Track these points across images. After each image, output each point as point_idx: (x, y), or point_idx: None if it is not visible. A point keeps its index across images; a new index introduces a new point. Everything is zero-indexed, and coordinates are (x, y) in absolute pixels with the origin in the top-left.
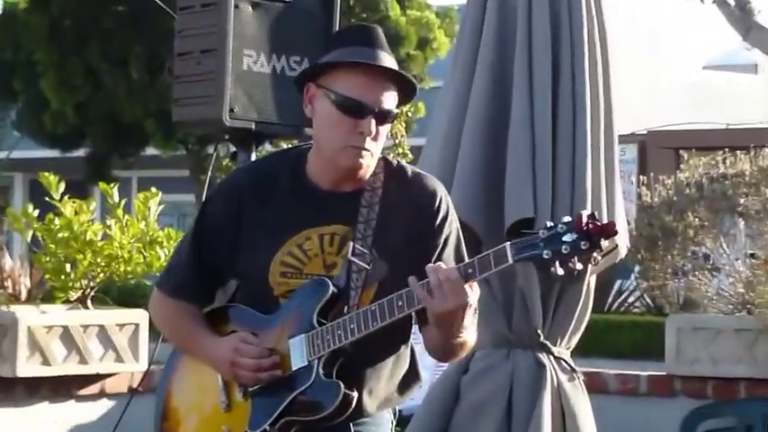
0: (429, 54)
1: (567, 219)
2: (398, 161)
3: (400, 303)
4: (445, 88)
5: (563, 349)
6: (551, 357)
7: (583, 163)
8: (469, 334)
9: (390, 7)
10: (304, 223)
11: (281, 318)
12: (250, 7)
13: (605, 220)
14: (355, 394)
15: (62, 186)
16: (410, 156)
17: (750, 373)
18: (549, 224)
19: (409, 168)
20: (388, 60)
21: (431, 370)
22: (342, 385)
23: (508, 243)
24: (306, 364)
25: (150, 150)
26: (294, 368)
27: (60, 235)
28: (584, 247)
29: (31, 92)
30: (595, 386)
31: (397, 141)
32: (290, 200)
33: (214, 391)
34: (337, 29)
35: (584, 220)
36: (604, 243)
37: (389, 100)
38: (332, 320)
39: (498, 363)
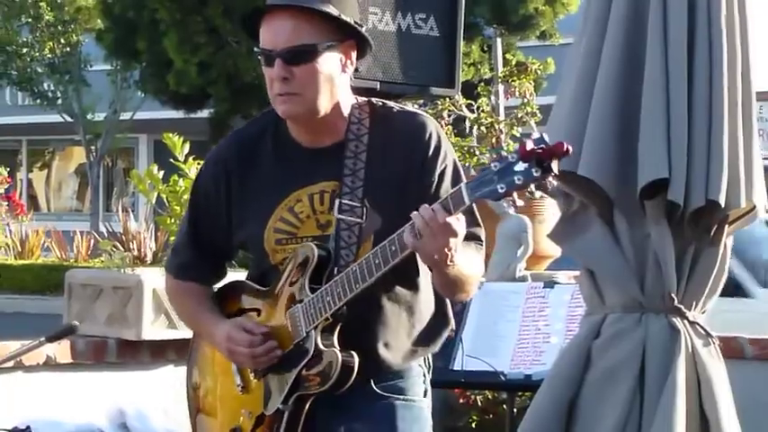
0: (559, 9)
1: (519, 147)
2: (384, 102)
3: (377, 261)
4: (576, 45)
5: (698, 313)
6: (686, 322)
7: (719, 121)
8: (465, 268)
9: None
10: (292, 185)
11: (279, 289)
12: None
13: (551, 143)
14: (355, 358)
15: (186, 147)
16: (539, 115)
17: None
18: (502, 155)
19: (396, 107)
20: None
21: (561, 334)
22: (337, 352)
23: (463, 183)
24: (304, 335)
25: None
26: (295, 341)
27: (185, 197)
28: (536, 174)
29: (154, 51)
30: (731, 351)
31: (525, 100)
32: (275, 163)
33: (230, 372)
34: None
35: (530, 146)
36: (555, 166)
37: (295, 35)
38: (326, 283)
39: (630, 327)
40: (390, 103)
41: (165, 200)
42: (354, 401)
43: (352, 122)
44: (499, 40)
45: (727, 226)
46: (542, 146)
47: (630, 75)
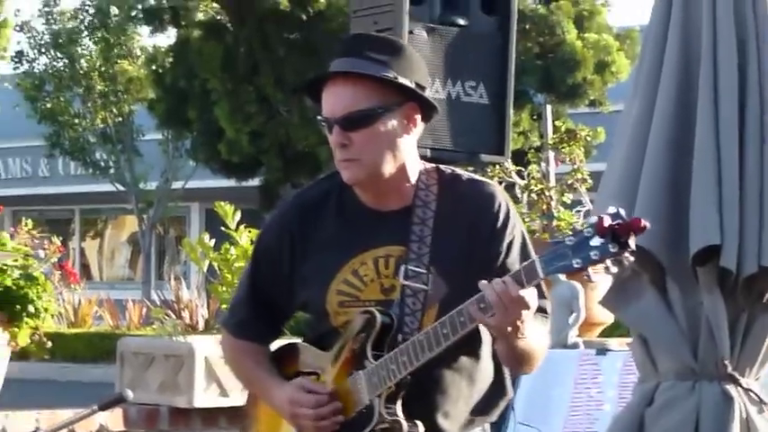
0: (608, 77)
1: (592, 220)
2: (453, 169)
3: (445, 331)
4: (626, 112)
5: (752, 380)
6: (740, 389)
7: None
8: (530, 343)
9: (567, 30)
10: (357, 247)
11: (340, 353)
12: (425, 33)
13: (629, 219)
14: (419, 428)
15: (238, 215)
16: (590, 181)
17: None
18: (576, 229)
19: (465, 175)
20: (343, 62)
21: (613, 402)
22: (402, 421)
23: (537, 257)
24: (367, 402)
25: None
26: (357, 409)
27: (237, 264)
28: (613, 250)
29: (206, 120)
30: None
31: (575, 166)
32: (341, 225)
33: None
34: (513, 54)
35: (607, 221)
36: (632, 242)
37: (352, 102)
38: (388, 351)
39: (684, 395)
40: (459, 171)
41: (216, 268)
42: None
43: (419, 188)
44: (549, 107)
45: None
46: (619, 221)
47: (681, 141)
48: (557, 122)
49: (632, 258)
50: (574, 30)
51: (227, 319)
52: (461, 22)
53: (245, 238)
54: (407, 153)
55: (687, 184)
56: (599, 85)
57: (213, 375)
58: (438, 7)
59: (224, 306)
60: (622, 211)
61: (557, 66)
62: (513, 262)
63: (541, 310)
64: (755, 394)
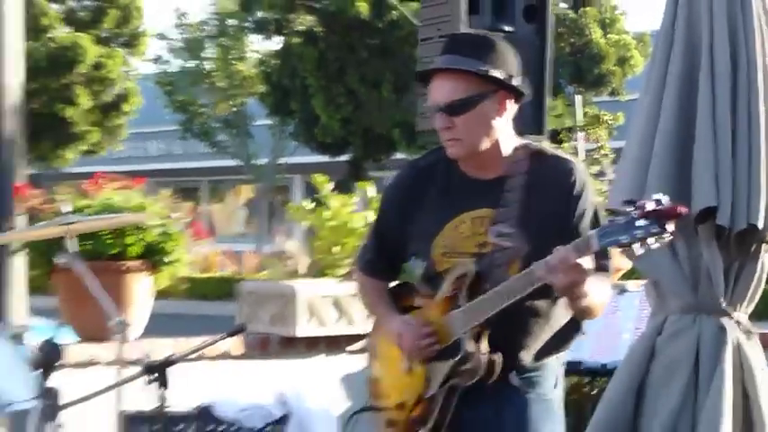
0: (627, 70)
1: (638, 204)
2: (539, 146)
3: (521, 284)
4: (640, 99)
5: (741, 314)
6: (732, 321)
7: (757, 157)
8: (594, 298)
9: (593, 32)
10: (458, 209)
11: (442, 295)
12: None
13: (669, 205)
14: (498, 358)
15: (330, 185)
16: (611, 156)
17: None
18: (628, 209)
19: (549, 151)
20: (447, 59)
21: (631, 332)
22: (484, 354)
23: (593, 231)
24: (458, 336)
25: (398, 155)
26: (450, 341)
27: (329, 223)
28: (654, 231)
29: (304, 110)
30: None
31: (600, 144)
32: (445, 189)
33: (400, 357)
34: (549, 53)
35: (650, 206)
36: (671, 226)
37: (453, 91)
38: (479, 296)
39: (687, 326)
40: (545, 147)
41: (313, 226)
42: (496, 394)
43: (512, 161)
44: (578, 96)
45: (765, 245)
46: (661, 207)
47: (684, 123)
48: (586, 109)
49: (670, 237)
50: (599, 31)
51: (359, 260)
52: (507, 28)
53: (336, 202)
54: (501, 132)
55: (689, 158)
56: (619, 76)
57: (313, 310)
58: (489, 17)
59: (319, 256)
60: (665, 199)
61: (585, 61)
62: (585, 228)
63: (604, 268)
64: (744, 325)
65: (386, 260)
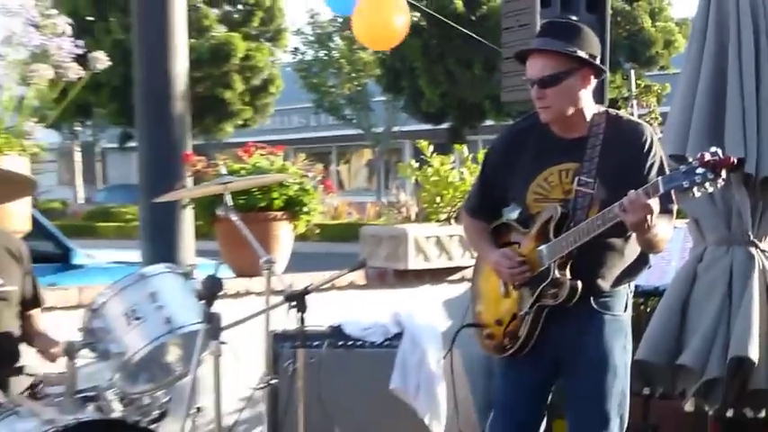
0: (672, 51)
1: (698, 155)
2: (617, 112)
3: (599, 222)
4: (682, 73)
5: (766, 245)
6: (759, 250)
7: None
8: (659, 234)
9: (644, 20)
10: (548, 162)
11: (533, 232)
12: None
13: (723, 156)
14: (579, 284)
15: (431, 148)
16: (660, 119)
17: None
18: (690, 159)
19: (624, 117)
20: (540, 41)
21: (678, 260)
22: (567, 280)
23: (660, 177)
24: (546, 266)
25: (487, 122)
26: (540, 269)
27: (432, 179)
28: (710, 177)
29: (412, 88)
30: None
31: (651, 109)
32: (538, 147)
33: (498, 283)
34: (608, 38)
35: (707, 157)
36: (724, 173)
37: (545, 68)
38: (564, 233)
39: (721, 255)
40: (620, 113)
41: (419, 181)
42: (577, 314)
43: (592, 124)
44: (633, 71)
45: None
46: (716, 158)
47: (717, 90)
48: (638, 81)
49: (723, 184)
50: (649, 20)
51: (465, 204)
52: (573, 18)
53: (437, 161)
54: (584, 101)
55: (722, 118)
56: (666, 56)
57: (420, 249)
58: (558, 8)
59: (424, 205)
60: (720, 151)
61: (638, 44)
62: (653, 177)
63: (669, 211)
64: None
65: (488, 205)
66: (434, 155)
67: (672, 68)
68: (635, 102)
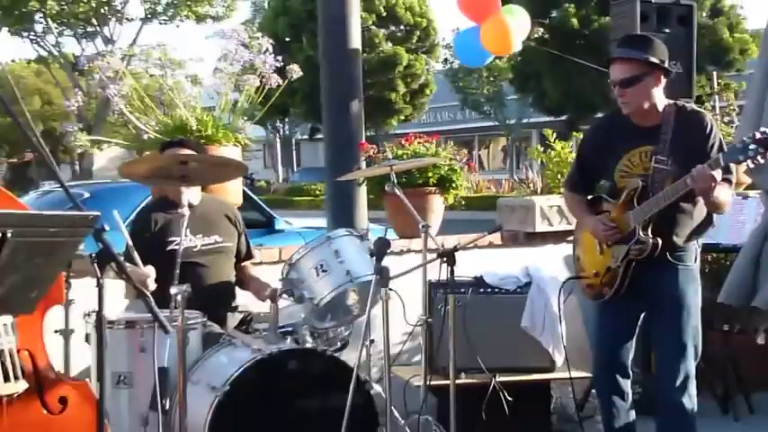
0: (746, 56)
1: (751, 134)
2: (683, 103)
3: (673, 191)
4: (755, 73)
5: None
6: None
7: None
8: (720, 198)
9: (723, 32)
10: (630, 145)
11: (622, 201)
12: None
13: None
14: (659, 241)
15: (554, 135)
16: (737, 110)
17: None
18: (745, 138)
19: (689, 107)
20: (621, 51)
21: (752, 222)
22: (649, 238)
23: (720, 153)
24: (633, 227)
25: (599, 114)
26: (627, 231)
27: (554, 160)
28: (760, 151)
29: (538, 88)
30: None
31: (729, 103)
32: (622, 133)
33: (594, 242)
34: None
35: (758, 135)
36: None
37: (624, 72)
38: (645, 200)
39: None
40: (686, 104)
41: (544, 162)
42: (657, 265)
43: (664, 114)
44: (714, 73)
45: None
46: (765, 136)
47: None
48: (719, 80)
49: (762, 161)
50: (727, 31)
51: (566, 181)
52: (667, 30)
53: (558, 146)
54: (656, 96)
55: None
56: (741, 60)
57: (545, 216)
58: (654, 23)
59: (548, 180)
60: (763, 132)
61: (719, 51)
62: (714, 154)
63: (728, 181)
64: None
65: (584, 181)
66: (556, 141)
67: (746, 70)
68: (716, 96)
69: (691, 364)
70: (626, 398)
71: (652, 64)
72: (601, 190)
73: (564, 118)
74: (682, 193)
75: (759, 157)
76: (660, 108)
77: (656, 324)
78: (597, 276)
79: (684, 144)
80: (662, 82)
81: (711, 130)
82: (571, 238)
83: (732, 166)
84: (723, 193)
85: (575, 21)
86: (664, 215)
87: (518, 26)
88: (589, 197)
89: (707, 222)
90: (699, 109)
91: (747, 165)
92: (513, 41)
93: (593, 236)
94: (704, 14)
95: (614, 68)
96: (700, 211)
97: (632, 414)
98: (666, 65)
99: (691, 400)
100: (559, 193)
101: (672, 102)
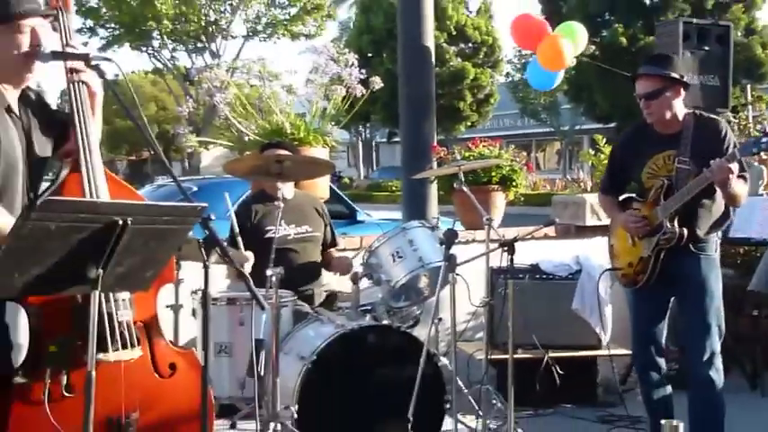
0: None
1: (763, 129)
2: (700, 112)
3: (694, 185)
4: None
5: None
6: None
7: None
8: (736, 191)
9: (756, 48)
10: (655, 150)
11: (649, 199)
12: (689, 53)
13: None
14: (684, 231)
15: (604, 140)
16: None
17: None
18: (756, 135)
19: (705, 115)
20: (645, 69)
21: None
22: (676, 228)
23: (736, 148)
24: (661, 221)
25: None
26: (656, 224)
27: (603, 162)
28: None
29: (589, 98)
30: None
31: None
32: (647, 140)
33: (626, 236)
34: (731, 62)
35: None
36: None
37: (647, 87)
38: (671, 197)
39: None
40: (704, 113)
41: (594, 164)
42: (683, 254)
43: (685, 122)
44: (748, 85)
45: None
46: None
47: None
48: (753, 92)
49: None
50: (760, 48)
51: (601, 186)
52: (706, 48)
53: (607, 150)
54: (677, 107)
55: None
56: None
57: (593, 211)
58: (695, 41)
59: (597, 180)
60: None
61: (752, 66)
62: (728, 153)
63: (743, 177)
64: None
65: (616, 184)
66: (605, 145)
67: None
68: (750, 107)
69: (716, 342)
70: (661, 373)
71: (673, 79)
72: (630, 191)
73: (612, 125)
74: (703, 186)
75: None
76: (680, 117)
77: (683, 307)
78: (630, 267)
79: (703, 147)
80: (681, 94)
81: (726, 134)
82: None
83: (746, 164)
84: (739, 187)
85: (623, 39)
86: (686, 210)
87: (571, 44)
88: (621, 198)
89: (725, 216)
90: (714, 116)
91: (759, 158)
92: (566, 59)
93: (626, 230)
94: (739, 33)
95: (639, 84)
96: (718, 206)
97: (668, 388)
98: (685, 79)
99: (718, 374)
100: None
101: (690, 110)
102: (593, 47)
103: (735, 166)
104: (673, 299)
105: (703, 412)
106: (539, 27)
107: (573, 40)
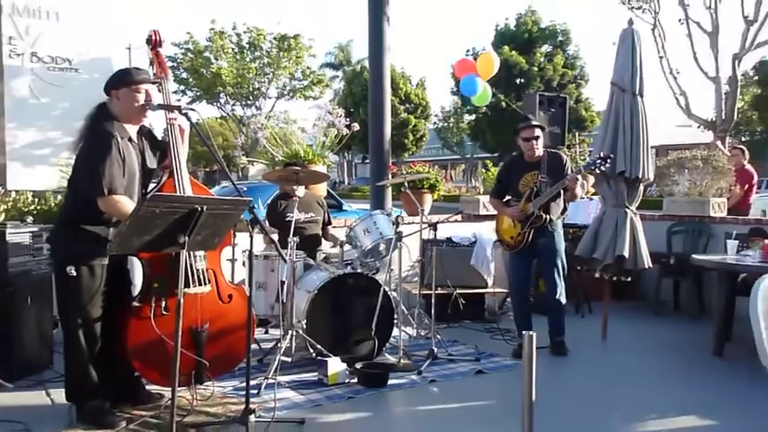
0: (593, 124)
1: (596, 154)
2: (550, 149)
3: (554, 189)
4: (598, 132)
5: (633, 207)
6: (629, 209)
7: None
8: (577, 191)
9: (581, 111)
10: (525, 171)
11: (525, 198)
12: (542, 113)
13: (605, 155)
14: (546, 217)
15: (491, 164)
16: (588, 151)
17: None
18: (594, 157)
19: (552, 150)
20: (531, 123)
21: (594, 212)
22: (542, 215)
23: (581, 166)
24: (533, 211)
25: None
26: (529, 213)
27: (490, 177)
28: (599, 163)
29: (483, 140)
30: None
31: (583, 150)
32: (521, 165)
33: (509, 220)
34: (567, 119)
35: (601, 154)
36: (608, 162)
37: (533, 133)
38: (536, 197)
39: (613, 212)
40: (551, 149)
41: (484, 178)
42: (543, 231)
43: (543, 154)
44: (576, 132)
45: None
46: (602, 155)
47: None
48: (579, 137)
49: (603, 169)
50: (584, 111)
51: (491, 193)
52: (552, 109)
53: (493, 170)
54: (541, 145)
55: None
56: (591, 126)
57: (485, 206)
58: (546, 105)
59: (486, 188)
60: (603, 153)
61: (579, 121)
62: (569, 170)
63: (582, 185)
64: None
65: (501, 193)
66: (493, 167)
67: (593, 131)
68: (577, 145)
69: (561, 283)
70: (526, 302)
71: (543, 128)
72: (510, 195)
73: (497, 155)
74: (560, 189)
75: (601, 166)
76: (540, 152)
77: (544, 263)
78: (512, 239)
79: (554, 169)
80: (543, 138)
81: (566, 161)
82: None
83: (581, 178)
84: (578, 190)
85: (503, 103)
86: (548, 204)
87: (495, 60)
88: (504, 200)
89: (564, 209)
90: (558, 151)
91: (597, 170)
92: (494, 67)
93: (510, 217)
94: (572, 102)
95: (527, 131)
96: (561, 203)
97: (529, 312)
98: (546, 129)
99: (562, 301)
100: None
101: (545, 148)
102: (485, 108)
103: (579, 177)
104: (535, 260)
105: (555, 321)
106: (469, 62)
107: (493, 60)
